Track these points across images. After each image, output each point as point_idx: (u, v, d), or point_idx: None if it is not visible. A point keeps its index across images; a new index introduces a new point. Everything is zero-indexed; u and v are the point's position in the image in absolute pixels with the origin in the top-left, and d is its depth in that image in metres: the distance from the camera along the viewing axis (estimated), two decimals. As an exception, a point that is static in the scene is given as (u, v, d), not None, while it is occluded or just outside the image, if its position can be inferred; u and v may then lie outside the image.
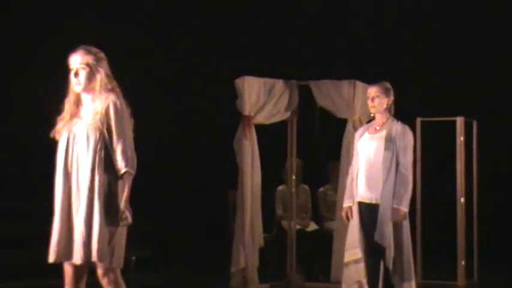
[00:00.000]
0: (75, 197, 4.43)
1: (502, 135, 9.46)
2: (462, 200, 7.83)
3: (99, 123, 4.40)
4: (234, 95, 7.39)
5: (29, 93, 7.89)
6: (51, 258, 4.44)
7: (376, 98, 5.81)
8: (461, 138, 7.85)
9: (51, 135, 4.52)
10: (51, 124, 4.55)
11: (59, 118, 4.54)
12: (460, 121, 7.86)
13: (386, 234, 5.59)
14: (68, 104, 4.54)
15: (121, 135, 4.42)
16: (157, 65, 9.12)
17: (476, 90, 9.46)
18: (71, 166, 4.45)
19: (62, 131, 4.49)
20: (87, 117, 4.45)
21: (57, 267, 4.53)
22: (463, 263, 7.80)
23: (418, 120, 7.85)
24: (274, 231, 8.12)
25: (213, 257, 8.30)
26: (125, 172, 4.43)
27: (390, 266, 5.62)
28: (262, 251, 7.50)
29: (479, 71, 9.57)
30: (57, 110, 4.55)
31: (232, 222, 7.59)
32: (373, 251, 5.69)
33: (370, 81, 7.48)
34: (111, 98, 4.43)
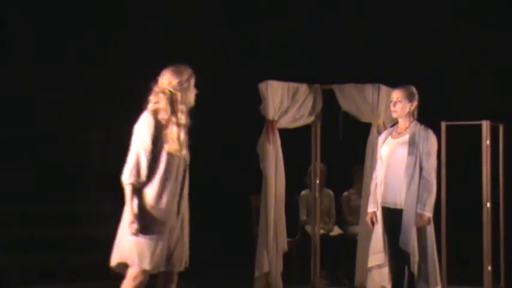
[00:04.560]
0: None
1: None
2: (488, 204, 7.75)
3: None
4: (258, 99, 7.38)
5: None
6: (151, 267, 4.72)
7: (398, 103, 5.77)
8: (487, 142, 7.77)
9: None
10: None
11: None
12: (485, 125, 7.78)
13: (410, 240, 5.56)
14: None
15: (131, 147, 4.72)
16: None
17: (503, 94, 9.37)
18: None
19: None
20: None
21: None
22: (489, 268, 7.72)
23: (443, 124, 7.78)
24: (298, 236, 8.10)
25: (237, 262, 8.29)
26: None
27: (415, 272, 5.58)
28: (286, 256, 7.49)
29: (505, 74, 9.48)
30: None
31: (256, 226, 7.57)
32: (397, 256, 5.65)
33: (395, 84, 7.45)
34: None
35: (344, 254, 7.88)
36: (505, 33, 9.39)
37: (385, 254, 5.74)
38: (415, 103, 5.80)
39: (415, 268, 5.58)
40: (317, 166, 7.78)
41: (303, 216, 8.15)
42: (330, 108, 7.71)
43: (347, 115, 7.69)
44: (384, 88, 7.45)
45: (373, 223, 5.84)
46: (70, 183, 8.24)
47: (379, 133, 6.98)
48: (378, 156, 5.88)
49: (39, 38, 8.91)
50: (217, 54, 9.52)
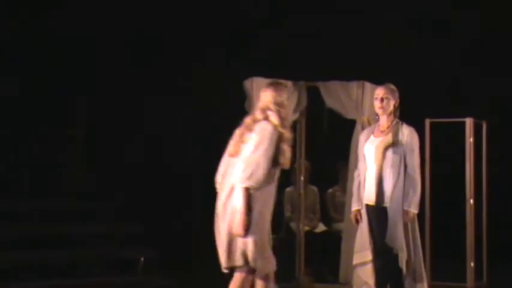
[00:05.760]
0: None
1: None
2: (471, 201, 7.79)
3: None
4: (243, 96, 7.38)
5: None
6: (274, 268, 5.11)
7: (385, 99, 5.79)
8: (471, 140, 7.81)
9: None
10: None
11: None
12: (469, 122, 7.82)
13: (397, 237, 5.60)
14: None
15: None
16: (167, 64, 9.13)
17: (486, 91, 9.42)
18: None
19: None
20: None
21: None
22: (472, 264, 7.76)
23: (427, 121, 7.82)
24: (283, 232, 8.10)
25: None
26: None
27: (404, 268, 5.62)
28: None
29: (488, 71, 9.53)
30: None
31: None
32: (382, 253, 5.68)
33: (380, 82, 7.48)
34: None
35: (329, 250, 7.89)
36: (488, 31, 9.44)
37: (370, 251, 5.76)
38: (397, 100, 5.83)
39: (403, 264, 5.62)
40: (302, 163, 7.78)
41: (287, 213, 8.16)
42: (314, 105, 7.73)
43: (332, 112, 7.70)
44: (368, 85, 7.47)
45: (357, 221, 5.86)
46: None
47: (363, 130, 7.00)
48: (360, 155, 5.89)
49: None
50: (203, 50, 9.52)
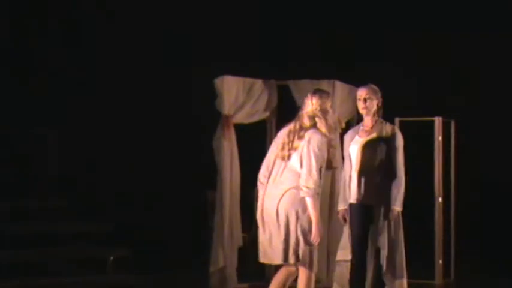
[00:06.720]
0: None
1: (480, 135, 9.52)
2: (440, 199, 7.88)
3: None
4: (213, 94, 7.39)
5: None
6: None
7: (368, 100, 5.85)
8: (440, 138, 7.90)
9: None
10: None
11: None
12: (438, 121, 7.91)
13: (381, 234, 5.67)
14: None
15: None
16: (134, 65, 9.12)
17: (455, 91, 9.51)
18: None
19: None
20: None
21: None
22: (440, 262, 7.85)
23: (397, 120, 7.89)
24: (253, 230, 8.12)
25: (192, 257, 8.29)
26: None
27: (384, 265, 5.70)
28: (241, 251, 7.51)
29: (457, 71, 9.62)
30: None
31: (211, 222, 7.58)
32: (360, 250, 5.76)
33: (349, 81, 7.53)
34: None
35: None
36: (460, 33, 9.53)
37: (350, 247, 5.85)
38: (380, 99, 5.90)
39: (384, 261, 5.70)
40: (272, 161, 7.80)
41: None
42: (285, 104, 7.75)
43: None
44: (338, 84, 7.52)
45: (345, 220, 5.94)
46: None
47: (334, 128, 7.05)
48: (345, 155, 5.96)
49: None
50: (172, 49, 9.51)
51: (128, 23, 9.31)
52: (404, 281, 5.84)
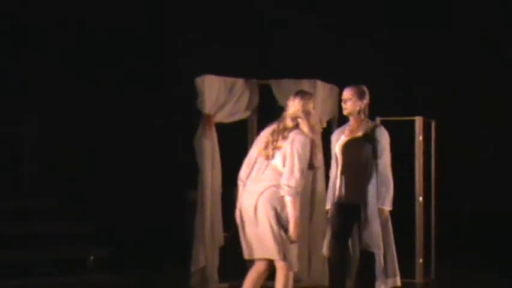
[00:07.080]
0: None
1: (460, 135, 9.58)
2: (420, 198, 7.91)
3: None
4: (194, 93, 7.37)
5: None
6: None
7: (348, 101, 5.86)
8: (420, 138, 7.93)
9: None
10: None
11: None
12: (418, 120, 7.94)
13: (374, 234, 5.70)
14: None
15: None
16: (114, 64, 9.08)
17: (435, 90, 9.56)
18: None
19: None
20: None
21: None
22: (420, 260, 7.88)
23: (378, 119, 7.90)
24: (234, 230, 8.11)
25: (173, 256, 8.27)
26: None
27: (380, 265, 5.71)
28: (222, 250, 7.50)
29: (438, 71, 9.67)
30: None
31: (192, 221, 7.56)
32: (339, 251, 5.77)
33: (331, 80, 7.54)
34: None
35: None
36: (437, 31, 9.58)
37: (327, 247, 5.84)
38: (366, 101, 5.90)
39: (380, 261, 5.72)
40: (253, 161, 7.79)
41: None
42: (266, 103, 7.75)
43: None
44: (319, 83, 7.52)
45: None
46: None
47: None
48: (332, 155, 5.97)
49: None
50: (152, 47, 9.49)
51: (108, 19, 9.27)
52: (398, 279, 5.89)
